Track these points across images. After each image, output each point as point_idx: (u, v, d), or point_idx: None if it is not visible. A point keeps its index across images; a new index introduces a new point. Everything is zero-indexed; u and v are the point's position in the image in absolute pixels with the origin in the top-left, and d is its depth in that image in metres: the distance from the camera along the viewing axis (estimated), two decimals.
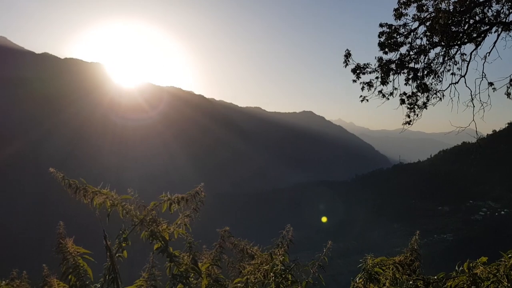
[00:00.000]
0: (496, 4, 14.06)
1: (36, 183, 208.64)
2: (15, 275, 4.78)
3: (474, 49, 14.68)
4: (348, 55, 15.32)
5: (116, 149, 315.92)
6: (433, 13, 14.36)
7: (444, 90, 15.27)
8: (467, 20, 14.24)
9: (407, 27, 15.15)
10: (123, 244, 4.50)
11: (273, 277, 3.98)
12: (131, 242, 4.59)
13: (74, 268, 4.47)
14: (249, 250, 5.03)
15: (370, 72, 15.30)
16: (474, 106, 14.84)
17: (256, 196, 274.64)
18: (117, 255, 4.40)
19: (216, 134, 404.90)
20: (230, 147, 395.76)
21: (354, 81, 15.48)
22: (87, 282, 4.40)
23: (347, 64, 15.31)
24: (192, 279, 4.60)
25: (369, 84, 15.42)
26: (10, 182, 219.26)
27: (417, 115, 15.87)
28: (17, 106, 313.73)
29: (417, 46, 15.14)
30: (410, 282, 4.68)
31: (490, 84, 14.56)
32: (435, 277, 4.89)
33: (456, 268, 4.76)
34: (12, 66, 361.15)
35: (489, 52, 14.36)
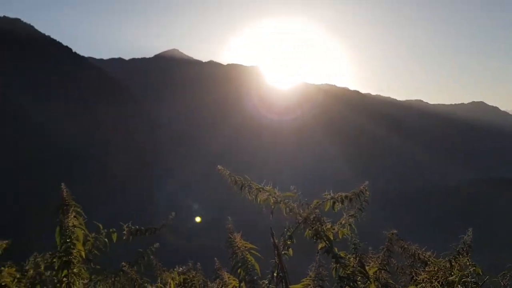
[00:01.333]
0: None
1: (203, 181, 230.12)
2: (191, 266, 5.18)
3: None
4: None
5: (273, 149, 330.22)
6: None
7: None
8: None
9: None
10: (288, 242, 4.49)
11: None
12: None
13: (243, 262, 4.60)
14: (421, 255, 4.58)
15: None
16: None
17: (418, 194, 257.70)
18: (282, 252, 4.40)
19: (372, 130, 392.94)
20: (387, 143, 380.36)
21: None
22: (255, 278, 4.49)
23: None
24: (360, 282, 4.36)
25: None
26: (182, 177, 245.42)
27: None
28: (189, 112, 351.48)
29: None
30: None
31: None
32: None
33: None
34: (185, 75, 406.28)
35: None
